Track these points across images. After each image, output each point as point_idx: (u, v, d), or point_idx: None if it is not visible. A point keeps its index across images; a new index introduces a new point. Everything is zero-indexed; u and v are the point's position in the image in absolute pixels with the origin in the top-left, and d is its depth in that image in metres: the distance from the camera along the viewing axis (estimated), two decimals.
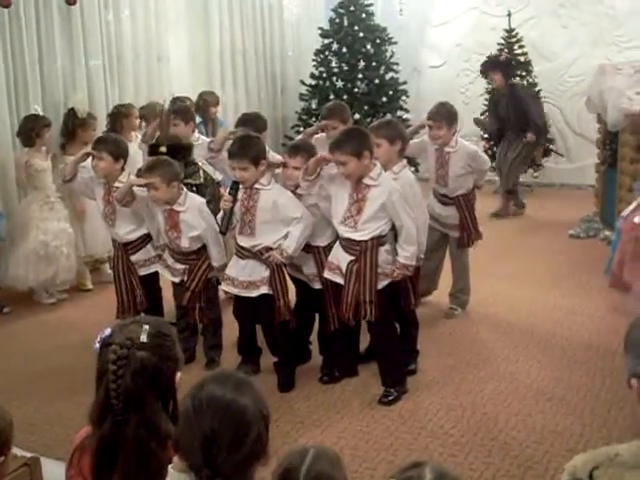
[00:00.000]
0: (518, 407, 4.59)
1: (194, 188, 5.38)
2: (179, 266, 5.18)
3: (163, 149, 5.37)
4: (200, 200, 5.19)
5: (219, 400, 1.97)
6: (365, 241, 4.56)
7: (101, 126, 7.49)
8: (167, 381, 2.32)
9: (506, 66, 9.01)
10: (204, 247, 5.13)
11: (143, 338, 2.27)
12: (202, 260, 5.13)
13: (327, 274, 4.78)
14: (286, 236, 4.75)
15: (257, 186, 4.78)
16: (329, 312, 4.91)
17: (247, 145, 4.81)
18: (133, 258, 5.35)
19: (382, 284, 4.62)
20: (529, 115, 9.13)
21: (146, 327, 2.31)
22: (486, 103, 10.58)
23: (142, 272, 5.37)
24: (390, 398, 4.71)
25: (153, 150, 5.55)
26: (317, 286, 4.97)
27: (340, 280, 4.69)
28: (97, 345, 2.32)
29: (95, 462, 2.26)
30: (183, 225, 5.05)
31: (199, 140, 6.09)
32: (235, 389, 2.01)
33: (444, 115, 5.73)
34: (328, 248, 4.84)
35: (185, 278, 5.16)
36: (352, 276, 4.59)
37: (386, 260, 4.64)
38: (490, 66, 9.03)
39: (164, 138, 5.77)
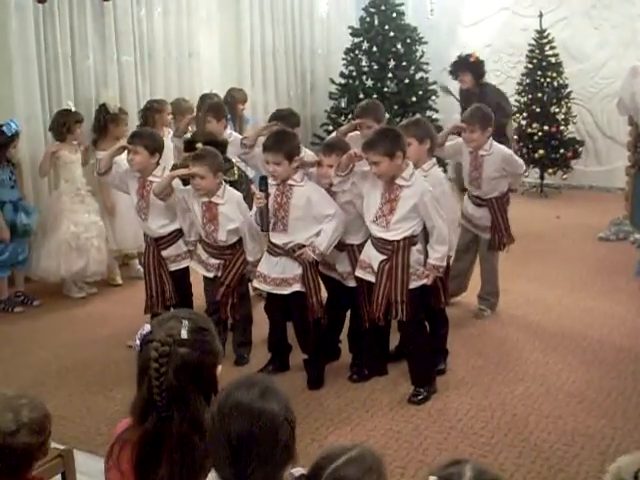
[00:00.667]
0: (549, 409, 4.57)
1: (228, 184, 5.38)
2: (213, 261, 5.19)
3: (199, 145, 5.39)
4: (238, 194, 5.22)
5: (246, 407, 1.95)
6: (397, 241, 4.56)
7: (132, 122, 7.52)
8: (209, 375, 2.32)
9: (476, 67, 8.51)
10: (240, 242, 5.14)
11: (184, 334, 2.27)
12: (237, 255, 5.15)
13: (359, 272, 4.79)
14: (318, 233, 4.76)
15: (290, 182, 4.80)
16: (363, 310, 4.91)
17: (282, 140, 4.84)
18: (164, 253, 5.37)
19: (414, 285, 4.61)
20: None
21: (186, 322, 2.31)
22: (517, 104, 10.54)
23: (173, 267, 5.38)
24: (420, 397, 4.71)
25: (189, 146, 5.58)
26: (351, 284, 4.96)
27: (372, 278, 4.69)
28: (137, 342, 2.31)
29: (138, 457, 2.26)
30: (221, 217, 5.06)
31: (231, 137, 6.10)
32: (261, 396, 1.98)
33: (478, 118, 5.73)
34: (362, 246, 4.83)
35: (219, 273, 5.17)
36: (384, 275, 4.59)
37: (418, 260, 4.63)
38: (460, 67, 8.58)
39: (200, 134, 5.81)
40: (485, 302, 6.18)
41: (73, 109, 7.07)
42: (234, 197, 5.13)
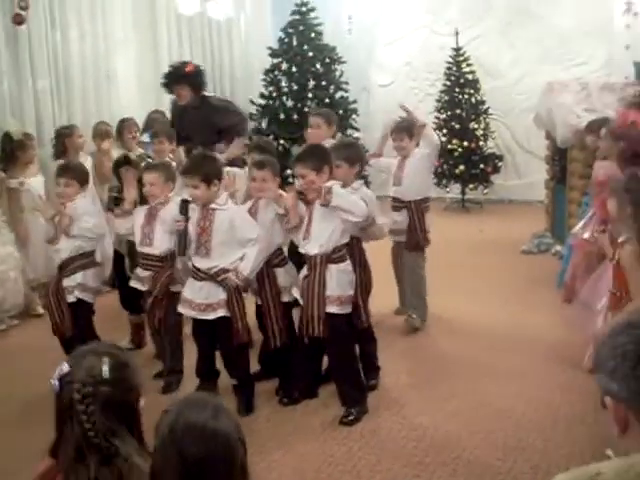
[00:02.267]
0: (480, 424, 4.57)
1: None
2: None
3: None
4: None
5: (200, 428, 1.87)
6: (315, 255, 4.61)
7: (49, 148, 7.38)
8: (133, 411, 2.23)
9: (194, 78, 7.40)
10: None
11: (105, 373, 2.18)
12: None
13: (294, 291, 4.86)
14: (242, 258, 4.71)
15: (213, 206, 4.75)
16: (269, 329, 4.93)
17: (200, 163, 4.86)
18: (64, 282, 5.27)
19: (337, 310, 4.61)
20: (225, 122, 7.32)
21: (106, 359, 2.21)
22: (436, 121, 10.65)
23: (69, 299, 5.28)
24: (350, 418, 4.66)
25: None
26: (259, 301, 5.01)
27: (292, 297, 4.85)
28: (56, 382, 2.21)
29: None
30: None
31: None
32: (215, 416, 1.90)
33: (405, 129, 6.08)
34: (270, 263, 4.91)
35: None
36: (304, 291, 4.64)
37: (340, 282, 4.64)
38: (175, 79, 7.34)
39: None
40: (413, 310, 6.21)
41: None
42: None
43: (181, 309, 4.96)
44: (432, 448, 4.32)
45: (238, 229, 4.72)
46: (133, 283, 5.37)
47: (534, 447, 4.28)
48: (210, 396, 2.11)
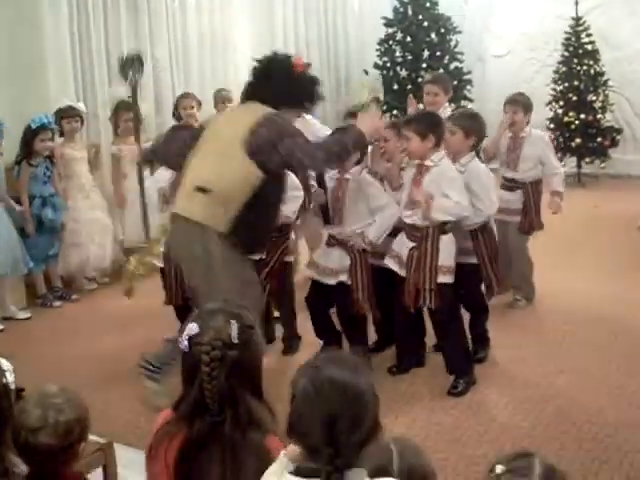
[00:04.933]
0: (590, 401, 4.51)
1: None
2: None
3: None
4: None
5: (340, 382, 1.97)
6: (426, 227, 4.54)
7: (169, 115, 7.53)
8: (257, 372, 2.34)
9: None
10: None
11: (234, 337, 2.25)
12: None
13: (387, 261, 4.80)
14: (371, 224, 4.75)
15: (346, 176, 4.79)
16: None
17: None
18: None
19: (444, 279, 4.56)
20: None
21: (234, 323, 2.28)
22: (553, 93, 10.43)
23: None
24: (459, 389, 4.67)
25: None
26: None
27: (396, 268, 4.72)
28: (185, 342, 2.28)
29: (183, 455, 2.26)
30: None
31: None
32: (354, 371, 2.01)
33: (521, 102, 5.91)
34: None
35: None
36: (412, 263, 4.58)
37: (449, 253, 4.59)
38: None
39: None
40: (519, 292, 6.12)
41: (66, 104, 6.88)
42: None
43: (307, 271, 5.09)
44: (540, 422, 4.29)
45: (370, 197, 4.75)
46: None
47: None
48: (348, 354, 2.24)
